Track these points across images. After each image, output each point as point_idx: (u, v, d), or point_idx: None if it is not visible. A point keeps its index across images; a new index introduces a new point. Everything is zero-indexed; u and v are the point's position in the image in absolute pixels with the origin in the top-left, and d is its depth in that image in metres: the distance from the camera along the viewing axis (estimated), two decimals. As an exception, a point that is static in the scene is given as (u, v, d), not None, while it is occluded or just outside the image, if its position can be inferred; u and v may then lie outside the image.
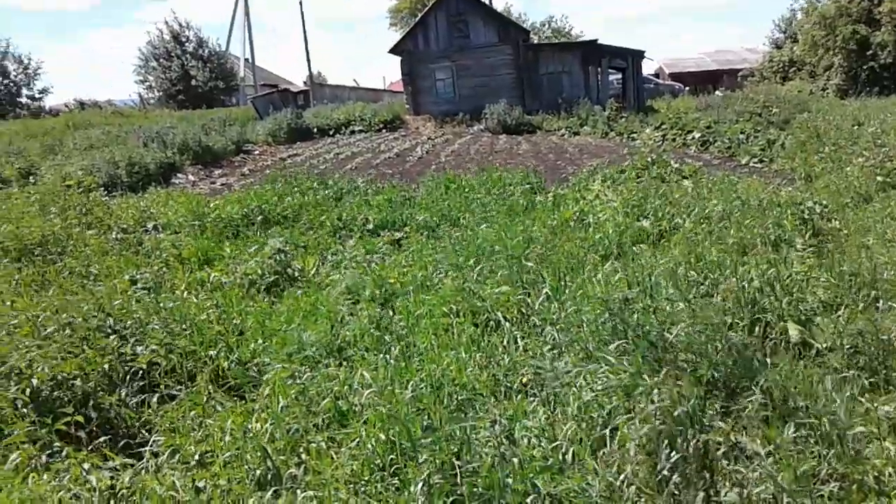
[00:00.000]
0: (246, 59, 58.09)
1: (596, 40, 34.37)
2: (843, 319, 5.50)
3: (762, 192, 11.41)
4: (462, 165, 19.35)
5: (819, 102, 26.94)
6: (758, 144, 19.05)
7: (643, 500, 3.34)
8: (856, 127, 18.20)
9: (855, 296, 6.20)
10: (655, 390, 4.12)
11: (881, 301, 5.96)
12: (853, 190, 11.21)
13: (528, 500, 3.50)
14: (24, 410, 4.91)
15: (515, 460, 3.63)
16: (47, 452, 4.49)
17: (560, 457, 3.89)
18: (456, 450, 3.88)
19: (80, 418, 4.88)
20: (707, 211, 10.25)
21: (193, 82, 52.34)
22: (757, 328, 5.58)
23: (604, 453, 3.91)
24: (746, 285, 6.08)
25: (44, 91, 52.10)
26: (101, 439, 4.79)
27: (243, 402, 5.45)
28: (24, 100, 50.87)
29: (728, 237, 8.56)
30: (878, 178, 11.40)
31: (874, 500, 3.55)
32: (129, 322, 6.41)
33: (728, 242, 8.31)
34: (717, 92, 36.92)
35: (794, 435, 4.06)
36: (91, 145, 23.11)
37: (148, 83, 55.39)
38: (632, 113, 29.07)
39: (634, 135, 24.21)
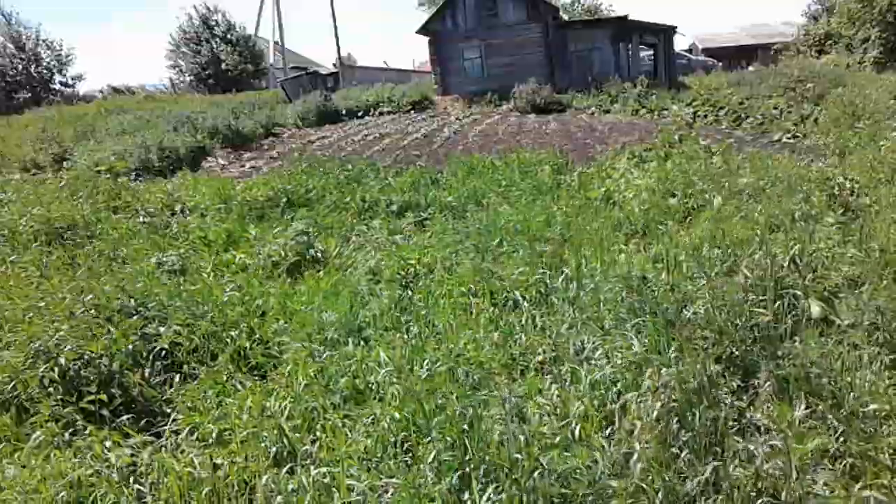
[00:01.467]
0: (275, 42, 58.22)
1: (626, 16, 33.82)
2: (866, 296, 5.41)
3: (792, 169, 11.21)
4: (489, 146, 19.26)
5: (855, 76, 26.30)
6: (791, 120, 18.69)
7: (650, 476, 3.32)
8: (893, 101, 17.75)
9: (881, 272, 6.08)
10: (667, 367, 4.09)
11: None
12: (887, 166, 10.95)
13: (535, 476, 3.51)
14: (50, 389, 5.03)
15: (522, 437, 3.64)
16: (70, 430, 4.60)
17: (568, 434, 3.89)
18: (467, 427, 3.90)
19: (103, 397, 5.00)
20: (736, 188, 10.10)
21: (223, 66, 52.62)
22: (779, 305, 5.51)
23: (612, 430, 3.91)
24: (770, 262, 6.00)
25: (77, 77, 52.65)
26: (124, 418, 4.90)
27: (263, 381, 5.53)
28: (57, 86, 51.44)
29: (756, 214, 8.44)
30: (913, 153, 11.13)
31: (887, 478, 3.51)
32: (152, 304, 6.52)
33: (756, 219, 8.20)
34: (749, 67, 36.20)
35: (810, 412, 4.02)
36: (123, 130, 23.39)
37: (178, 68, 55.81)
38: (663, 90, 28.63)
39: (665, 112, 23.87)
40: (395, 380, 4.91)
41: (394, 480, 3.66)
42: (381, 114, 30.13)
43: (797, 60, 34.26)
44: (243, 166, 19.33)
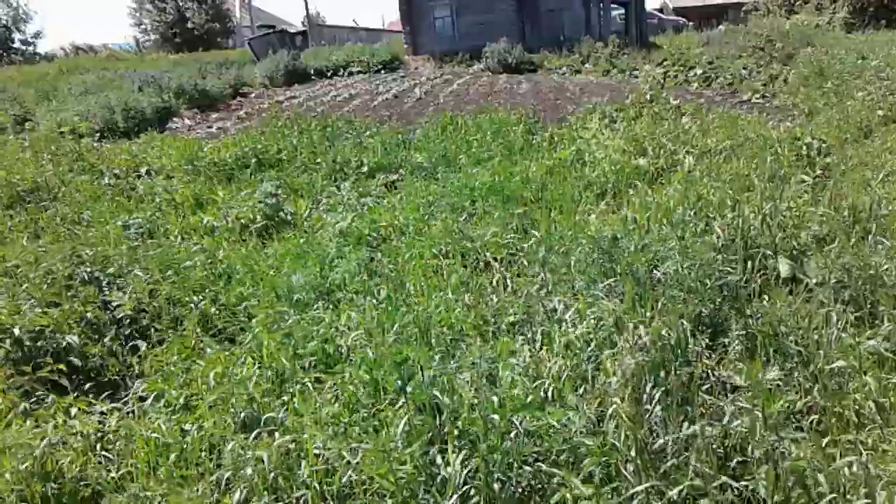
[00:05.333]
0: (242, 0, 57.04)
1: (598, -25, 33.58)
2: (834, 254, 5.45)
3: (762, 129, 11.24)
4: (461, 106, 19.09)
5: (824, 36, 26.40)
6: (760, 80, 18.74)
7: (623, 433, 3.33)
8: (860, 61, 17.85)
9: (848, 230, 6.14)
10: (640, 327, 4.09)
11: (870, 236, 5.91)
12: (854, 125, 11.03)
13: (510, 438, 3.51)
14: (4, 362, 4.92)
15: (495, 399, 3.62)
16: (31, 400, 4.50)
17: (542, 394, 3.88)
18: (438, 390, 3.87)
19: (62, 367, 4.89)
20: (707, 148, 10.12)
21: (189, 24, 51.46)
22: (750, 264, 5.53)
23: (585, 389, 3.91)
24: (742, 221, 6.01)
25: (37, 35, 51.33)
26: (87, 386, 4.81)
27: (232, 346, 5.46)
28: (17, 45, 49.99)
29: (726, 174, 8.47)
30: (879, 113, 11.22)
31: (854, 433, 3.55)
32: (110, 269, 6.38)
33: (726, 179, 8.22)
34: (719, 27, 36.16)
35: (778, 370, 4.05)
36: (86, 90, 22.80)
37: (143, 26, 54.50)
38: (634, 50, 28.53)
39: (636, 72, 23.80)
40: (365, 343, 4.87)
41: (363, 445, 3.63)
42: (350, 73, 29.69)
43: (767, 20, 34.31)
44: (210, 127, 18.99)
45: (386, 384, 4.24)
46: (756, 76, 19.32)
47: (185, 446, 3.97)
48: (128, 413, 4.49)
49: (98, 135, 16.17)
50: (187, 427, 4.15)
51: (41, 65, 37.03)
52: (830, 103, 13.35)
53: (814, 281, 5.19)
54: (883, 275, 5.07)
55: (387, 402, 4.12)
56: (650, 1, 40.43)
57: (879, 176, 7.85)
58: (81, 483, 3.92)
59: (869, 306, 4.87)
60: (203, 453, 3.94)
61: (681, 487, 3.11)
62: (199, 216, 9.12)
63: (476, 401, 3.69)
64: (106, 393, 4.87)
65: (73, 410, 4.37)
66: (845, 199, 6.81)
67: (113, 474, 3.89)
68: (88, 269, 6.22)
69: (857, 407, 3.70)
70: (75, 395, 4.64)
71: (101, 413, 4.48)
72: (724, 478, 3.15)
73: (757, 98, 17.44)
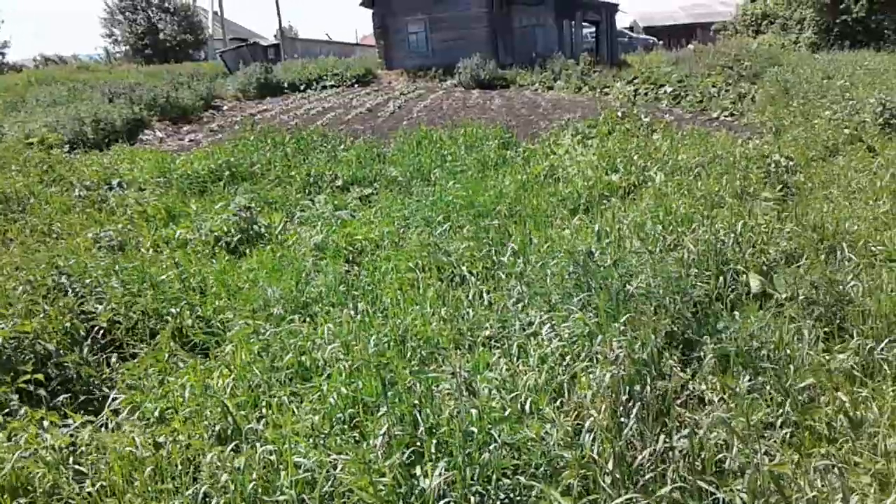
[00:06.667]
0: (214, 12, 56.76)
1: (570, -7, 34.03)
2: (803, 270, 5.57)
3: (731, 146, 11.44)
4: (434, 121, 19.18)
5: (790, 56, 26.94)
6: (729, 98, 19.07)
7: (600, 446, 3.37)
8: (825, 80, 18.25)
9: (816, 247, 6.27)
10: (614, 340, 4.15)
11: (838, 252, 6.05)
12: (820, 143, 11.27)
13: (489, 450, 3.53)
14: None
15: (474, 411, 3.65)
16: (4, 412, 4.44)
17: (519, 407, 3.92)
18: (417, 402, 3.89)
19: (40, 377, 4.84)
20: (677, 165, 10.28)
21: (161, 36, 51.09)
22: (721, 279, 5.63)
23: (562, 402, 3.95)
24: (713, 238, 6.12)
25: (3, 45, 50.60)
26: (61, 398, 4.75)
27: (206, 359, 5.43)
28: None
29: (696, 190, 8.61)
30: (846, 132, 11.47)
31: (825, 447, 3.63)
32: (87, 280, 6.32)
33: (696, 196, 8.36)
34: (689, 46, 36.76)
35: (751, 384, 4.13)
36: (55, 101, 22.54)
37: (114, 37, 54.00)
38: (605, 67, 28.91)
39: (608, 89, 24.09)
40: (341, 356, 4.87)
41: (343, 456, 3.63)
42: (324, 87, 29.66)
43: (735, 40, 34.94)
44: (182, 139, 18.87)
45: (364, 394, 4.25)
46: (725, 94, 19.65)
47: (160, 460, 3.93)
48: (101, 426, 4.43)
49: (68, 146, 15.98)
50: (161, 440, 4.11)
51: (9, 75, 36.53)
52: (797, 122, 13.62)
53: (783, 296, 5.29)
54: (850, 291, 5.19)
55: (365, 412, 4.12)
56: (621, 20, 40.99)
57: (845, 193, 8.03)
58: (53, 497, 3.87)
59: (837, 321, 4.98)
60: (179, 467, 3.90)
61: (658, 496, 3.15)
62: (172, 229, 9.06)
63: (455, 412, 3.72)
64: (79, 402, 4.82)
65: (46, 423, 4.31)
66: (810, 216, 6.97)
67: (88, 489, 3.83)
68: (67, 280, 6.16)
69: (827, 421, 3.78)
70: (49, 406, 4.59)
71: (74, 427, 4.43)
72: (702, 483, 3.20)
73: (726, 116, 17.76)
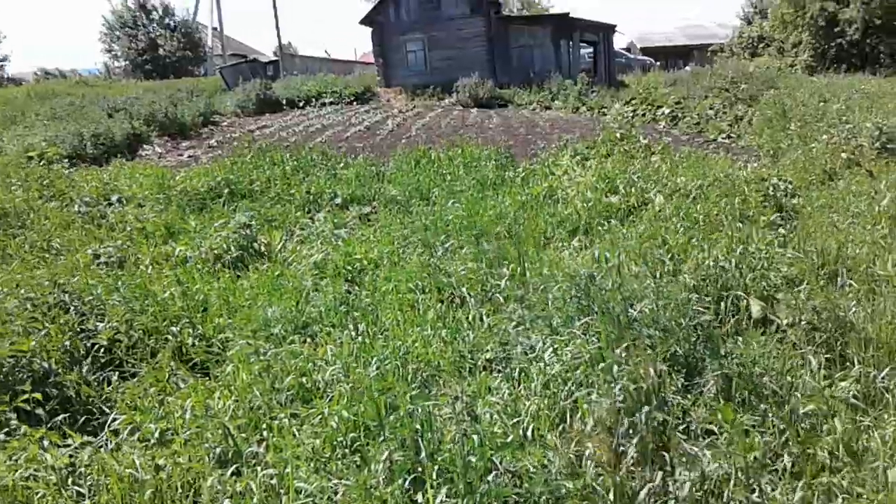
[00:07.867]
0: (214, 29, 57.01)
1: (567, 14, 34.22)
2: (804, 296, 5.57)
3: (729, 169, 11.48)
4: (433, 139, 19.22)
5: (786, 79, 27.09)
6: (726, 120, 19.17)
7: (602, 477, 3.36)
8: (822, 104, 18.33)
9: (817, 272, 6.28)
10: (616, 367, 4.14)
11: (840, 277, 6.05)
12: (818, 167, 11.32)
13: (490, 477, 3.52)
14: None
15: (476, 437, 3.64)
16: (3, 431, 4.41)
17: (521, 433, 3.90)
18: (418, 427, 3.87)
19: (39, 396, 4.81)
20: (676, 187, 10.30)
21: (161, 52, 51.30)
22: (723, 304, 5.63)
23: (563, 429, 3.93)
24: (713, 263, 6.12)
25: (4, 59, 50.75)
26: (60, 417, 4.72)
27: (207, 379, 5.40)
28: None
29: (695, 214, 8.62)
30: (843, 156, 11.52)
31: (827, 476, 3.62)
32: (88, 298, 6.30)
33: (695, 219, 8.37)
34: (686, 67, 36.96)
35: (753, 413, 4.12)
36: (55, 115, 22.56)
37: (114, 52, 54.17)
38: (603, 87, 29.06)
39: (605, 109, 24.23)
40: (342, 378, 4.86)
41: (344, 482, 3.61)
42: (323, 104, 29.77)
43: (731, 62, 35.14)
44: (181, 155, 18.87)
45: (365, 418, 4.23)
46: (722, 117, 19.75)
47: (160, 483, 3.91)
48: (100, 447, 4.40)
49: (67, 160, 15.97)
50: (161, 462, 4.09)
51: (9, 88, 36.59)
52: (795, 145, 13.68)
53: (785, 322, 5.29)
54: (852, 317, 5.20)
55: (367, 436, 4.10)
56: (618, 40, 41.26)
57: (845, 217, 8.05)
58: (53, 519, 3.84)
59: (839, 348, 4.98)
60: (180, 490, 3.88)
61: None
62: (172, 246, 9.05)
63: (457, 437, 3.70)
64: (79, 423, 4.79)
65: (46, 443, 4.29)
66: (810, 242, 6.98)
67: (88, 510, 3.81)
68: (68, 297, 6.14)
69: (829, 450, 3.77)
70: (48, 426, 4.56)
71: (73, 448, 4.40)
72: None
73: (723, 138, 17.84)
